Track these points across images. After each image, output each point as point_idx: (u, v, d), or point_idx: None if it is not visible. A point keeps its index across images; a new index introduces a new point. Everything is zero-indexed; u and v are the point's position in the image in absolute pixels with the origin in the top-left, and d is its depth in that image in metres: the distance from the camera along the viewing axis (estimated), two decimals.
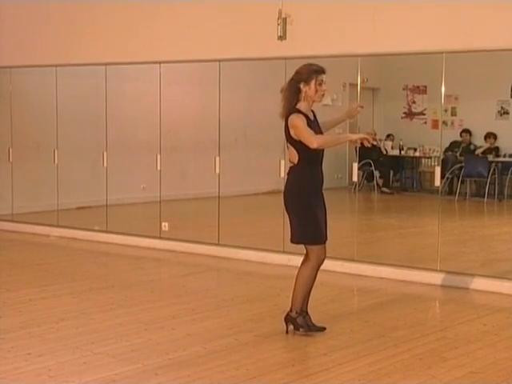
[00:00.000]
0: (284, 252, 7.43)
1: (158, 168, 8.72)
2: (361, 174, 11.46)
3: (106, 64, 8.90)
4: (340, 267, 7.16)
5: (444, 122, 11.84)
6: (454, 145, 12.63)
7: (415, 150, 12.98)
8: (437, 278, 6.82)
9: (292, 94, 4.92)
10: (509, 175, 11.88)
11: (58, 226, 9.39)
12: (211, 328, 5.32)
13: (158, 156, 8.71)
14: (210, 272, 7.60)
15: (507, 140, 12.37)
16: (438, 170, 7.25)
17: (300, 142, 4.86)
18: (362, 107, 5.43)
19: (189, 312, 5.74)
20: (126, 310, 5.78)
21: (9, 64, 9.65)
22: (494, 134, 12.57)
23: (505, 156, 12.43)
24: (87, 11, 8.93)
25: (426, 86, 13.15)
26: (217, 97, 8.31)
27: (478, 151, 12.63)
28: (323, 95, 4.98)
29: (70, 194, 9.92)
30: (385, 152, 13.07)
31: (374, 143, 13.00)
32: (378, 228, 10.00)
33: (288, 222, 5.08)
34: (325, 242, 5.04)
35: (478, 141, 12.83)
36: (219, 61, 8.08)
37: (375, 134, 12.77)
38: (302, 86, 4.91)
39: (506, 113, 12.74)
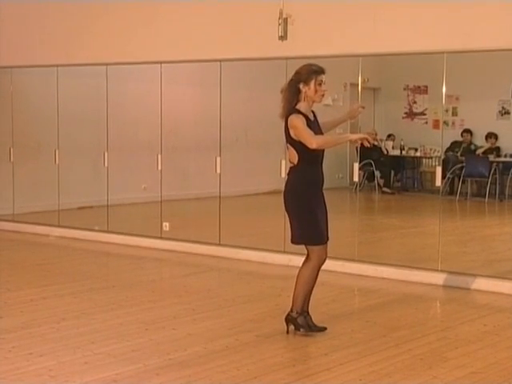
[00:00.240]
0: (285, 252, 7.43)
1: (159, 168, 8.72)
2: (362, 174, 11.46)
3: (107, 64, 8.90)
4: (341, 267, 7.16)
5: (445, 122, 11.82)
6: (454, 145, 12.62)
7: (416, 150, 12.97)
8: (438, 278, 6.82)
9: (292, 94, 4.92)
10: (510, 175, 11.87)
11: (58, 226, 9.39)
12: (212, 328, 5.32)
13: (159, 156, 8.71)
14: (210, 272, 7.60)
15: (508, 140, 12.36)
16: (438, 170, 7.25)
17: (300, 142, 4.85)
18: (363, 108, 5.42)
19: (190, 312, 5.74)
20: (127, 310, 5.79)
21: (10, 64, 9.65)
22: (494, 134, 12.56)
23: (506, 156, 12.42)
24: (88, 11, 8.94)
25: (426, 86, 13.14)
26: (218, 97, 8.32)
27: (479, 151, 12.62)
28: (323, 95, 4.97)
29: (71, 194, 9.92)
30: (386, 152, 13.07)
31: (375, 143, 13.00)
32: (379, 228, 10.00)
33: (288, 222, 5.08)
34: (326, 243, 5.03)
35: (479, 141, 12.83)
36: (220, 61, 8.08)
37: (376, 134, 12.80)
38: (301, 86, 4.91)
39: (507, 113, 12.74)
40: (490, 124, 12.68)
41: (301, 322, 5.05)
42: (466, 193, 12.10)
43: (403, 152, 13.07)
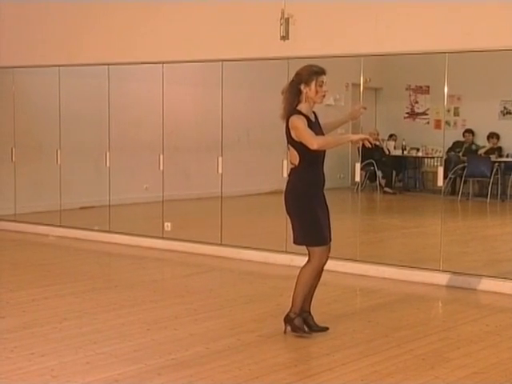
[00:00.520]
0: (286, 252, 7.43)
1: (161, 168, 8.72)
2: (363, 174, 11.46)
3: (109, 64, 8.91)
4: (342, 267, 7.16)
5: (447, 122, 11.82)
6: (456, 145, 12.62)
7: (418, 150, 12.98)
8: (439, 278, 6.82)
9: (293, 95, 4.91)
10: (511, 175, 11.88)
11: (60, 226, 9.40)
12: (214, 328, 5.32)
13: (161, 156, 8.71)
14: (212, 272, 7.60)
15: (510, 140, 12.36)
16: (440, 170, 7.24)
17: (301, 143, 4.84)
18: (364, 108, 5.41)
19: (191, 312, 5.74)
20: (129, 310, 5.79)
21: (11, 64, 9.66)
22: (496, 134, 12.55)
23: (508, 156, 12.42)
24: (90, 11, 8.94)
25: (428, 86, 13.14)
26: (219, 97, 8.32)
27: (481, 151, 12.62)
28: (324, 96, 4.96)
29: (73, 194, 9.92)
30: (387, 152, 13.07)
31: (377, 143, 12.99)
32: (381, 228, 9.99)
33: (290, 222, 5.07)
34: (327, 244, 5.02)
35: (481, 141, 12.82)
36: (222, 61, 8.08)
37: (378, 134, 12.82)
38: (302, 87, 4.89)
39: (509, 113, 12.73)
40: (492, 124, 12.68)
41: (298, 323, 5.03)
42: (468, 193, 12.09)
43: (405, 152, 13.07)
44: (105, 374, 4.31)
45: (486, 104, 12.72)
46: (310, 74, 4.90)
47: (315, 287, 5.14)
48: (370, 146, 4.97)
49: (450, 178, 11.84)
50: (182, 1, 8.22)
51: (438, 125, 12.30)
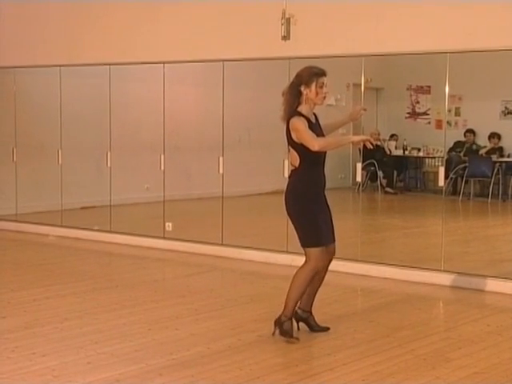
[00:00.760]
0: (288, 252, 7.42)
1: (162, 168, 8.72)
2: (364, 174, 11.45)
3: (110, 64, 8.91)
4: (344, 267, 7.15)
5: (448, 122, 11.82)
6: (457, 145, 12.62)
7: (419, 150, 12.98)
8: (441, 279, 6.81)
9: (293, 97, 4.88)
10: None
11: (61, 226, 9.40)
12: (215, 328, 5.32)
13: (162, 156, 8.72)
14: (213, 272, 7.60)
15: (511, 140, 12.35)
16: (441, 170, 7.24)
17: (301, 144, 4.81)
18: (364, 110, 5.39)
19: (192, 312, 5.74)
20: (130, 309, 5.79)
21: (13, 64, 9.67)
22: (497, 134, 12.56)
23: (509, 156, 12.42)
24: (91, 11, 8.95)
25: (429, 86, 13.14)
26: (220, 97, 8.32)
27: (482, 151, 12.62)
28: (324, 98, 4.91)
29: (74, 194, 9.93)
30: (388, 152, 13.07)
31: (378, 143, 12.97)
32: (382, 228, 9.99)
33: (291, 223, 5.05)
34: (323, 245, 4.92)
35: (482, 141, 12.82)
36: (223, 61, 8.08)
37: (379, 134, 12.82)
38: (302, 88, 4.86)
39: (510, 113, 12.73)
40: (493, 124, 12.68)
41: (286, 327, 4.94)
42: (469, 193, 12.09)
43: (406, 152, 13.07)
44: (106, 374, 4.31)
45: (487, 104, 12.72)
46: (310, 75, 4.87)
47: (318, 288, 5.12)
48: (371, 147, 4.94)
49: (451, 178, 11.83)
50: (183, 1, 8.23)
51: (439, 125, 12.29)
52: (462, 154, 12.49)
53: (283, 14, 7.41)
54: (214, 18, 8.04)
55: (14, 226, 9.71)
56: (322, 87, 4.87)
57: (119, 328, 5.26)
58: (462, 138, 12.79)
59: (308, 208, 4.90)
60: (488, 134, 12.63)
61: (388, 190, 12.74)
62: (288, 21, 7.42)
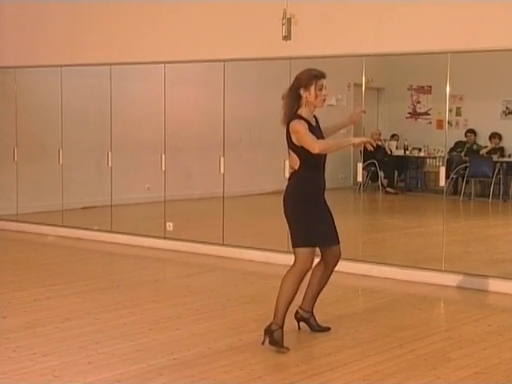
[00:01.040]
0: (288, 252, 7.35)
1: (163, 168, 8.72)
2: (365, 174, 11.45)
3: (111, 64, 8.91)
4: (345, 267, 7.10)
5: (449, 122, 11.82)
6: (458, 145, 12.62)
7: (420, 150, 12.98)
8: (441, 279, 6.81)
9: (293, 100, 4.83)
10: None
11: (62, 226, 9.41)
12: (216, 328, 5.32)
13: (163, 156, 8.72)
14: (214, 272, 7.60)
15: None
16: (442, 170, 7.24)
17: (302, 147, 4.76)
18: (364, 112, 5.38)
19: (193, 312, 5.74)
20: (131, 309, 5.79)
21: (13, 64, 9.67)
22: (498, 134, 12.56)
23: (510, 156, 12.42)
24: (92, 11, 8.95)
25: (430, 86, 13.14)
26: (221, 97, 8.32)
27: (483, 151, 12.62)
28: (324, 100, 4.86)
29: (75, 194, 9.93)
30: (389, 152, 13.07)
31: (379, 143, 12.95)
32: (383, 228, 9.99)
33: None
34: (313, 246, 4.84)
35: (483, 141, 12.82)
36: (224, 61, 8.09)
37: (380, 134, 12.82)
38: (301, 91, 4.81)
39: (511, 113, 12.72)
40: (494, 124, 12.68)
41: (277, 337, 4.77)
42: (470, 193, 12.09)
43: (407, 152, 13.07)
44: (107, 374, 4.31)
45: (488, 104, 12.72)
46: (309, 77, 4.82)
47: (321, 289, 5.12)
48: (371, 149, 4.90)
49: (452, 178, 11.83)
50: (184, 1, 8.23)
51: (439, 125, 12.29)
52: (462, 154, 12.49)
53: (284, 14, 7.41)
54: (214, 18, 8.04)
55: (15, 226, 9.71)
56: (321, 89, 4.82)
57: (120, 328, 5.26)
58: (463, 138, 12.79)
59: (304, 209, 4.84)
60: (489, 134, 12.64)
61: (389, 190, 12.74)
62: (289, 21, 7.42)
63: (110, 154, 9.13)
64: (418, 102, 13.51)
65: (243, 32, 7.80)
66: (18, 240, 9.17)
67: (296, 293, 4.83)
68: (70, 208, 9.71)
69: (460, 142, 12.68)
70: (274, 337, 4.78)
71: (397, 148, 13.21)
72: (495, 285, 6.56)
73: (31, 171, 10.02)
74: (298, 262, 4.83)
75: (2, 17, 9.76)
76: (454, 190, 12.03)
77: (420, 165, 13.43)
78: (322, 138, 4.91)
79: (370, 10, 7.03)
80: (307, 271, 4.85)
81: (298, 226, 4.86)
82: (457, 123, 12.92)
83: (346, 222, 8.22)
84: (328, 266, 5.07)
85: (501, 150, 12.47)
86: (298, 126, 4.75)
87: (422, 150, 12.90)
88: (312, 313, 5.18)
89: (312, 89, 4.81)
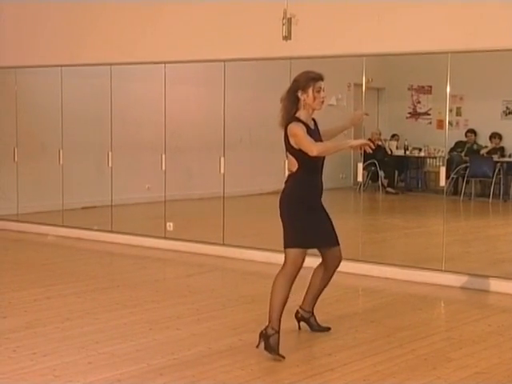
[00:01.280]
0: None
1: (163, 168, 8.72)
2: (365, 174, 11.45)
3: (111, 64, 8.91)
4: (345, 267, 7.04)
5: (449, 122, 11.81)
6: (458, 145, 12.61)
7: (420, 150, 12.97)
8: (442, 279, 6.81)
9: (291, 103, 4.79)
10: None
11: (62, 226, 9.41)
12: (216, 328, 5.32)
13: (163, 156, 8.72)
14: (214, 272, 7.60)
15: None
16: (442, 170, 7.24)
17: (300, 150, 4.72)
18: (366, 114, 5.36)
19: (193, 312, 5.74)
20: (131, 309, 5.79)
21: (14, 64, 9.67)
22: (499, 134, 12.55)
23: (510, 156, 12.41)
24: (92, 11, 8.95)
25: (431, 86, 13.13)
26: (221, 97, 8.32)
27: (483, 151, 12.61)
28: (322, 102, 4.81)
29: (75, 194, 9.93)
30: (390, 152, 13.06)
31: (379, 143, 12.95)
32: (383, 228, 9.99)
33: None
34: (304, 247, 4.77)
35: (483, 141, 12.81)
36: (224, 61, 8.09)
37: (380, 134, 12.81)
38: (299, 94, 4.76)
39: (511, 113, 12.72)
40: (494, 124, 12.67)
41: (272, 343, 4.64)
42: (470, 193, 12.08)
43: (407, 152, 13.06)
44: (107, 374, 4.31)
45: (489, 104, 12.71)
46: (307, 80, 4.77)
47: (323, 289, 5.11)
48: (370, 151, 4.86)
49: (453, 178, 11.82)
50: (185, 1, 8.23)
51: (440, 125, 12.27)
52: (463, 154, 12.49)
53: (284, 13, 7.41)
54: (215, 18, 8.04)
55: (15, 226, 9.71)
56: (319, 92, 4.77)
57: (120, 328, 5.26)
58: (463, 138, 12.78)
59: (299, 211, 4.79)
60: (489, 134, 12.63)
61: (389, 189, 12.74)
62: (289, 21, 7.42)
63: (110, 153, 9.14)
64: (419, 102, 13.50)
65: (243, 32, 7.80)
66: (18, 240, 9.17)
67: (288, 294, 4.74)
68: (70, 208, 9.71)
69: (460, 141, 12.67)
70: (269, 342, 4.66)
71: (397, 148, 13.21)
72: (495, 285, 6.56)
73: (31, 171, 10.02)
74: (288, 263, 4.75)
75: (1, 17, 9.76)
76: (455, 190, 12.02)
77: (420, 165, 13.43)
78: (321, 141, 4.83)
79: (370, 10, 7.03)
80: (297, 273, 4.76)
81: (291, 227, 4.80)
82: (457, 123, 12.92)
83: (347, 222, 8.23)
84: (328, 269, 5.05)
85: (501, 150, 12.47)
86: (296, 129, 4.71)
87: (423, 149, 12.89)
88: (312, 313, 5.18)
89: (310, 91, 4.76)
